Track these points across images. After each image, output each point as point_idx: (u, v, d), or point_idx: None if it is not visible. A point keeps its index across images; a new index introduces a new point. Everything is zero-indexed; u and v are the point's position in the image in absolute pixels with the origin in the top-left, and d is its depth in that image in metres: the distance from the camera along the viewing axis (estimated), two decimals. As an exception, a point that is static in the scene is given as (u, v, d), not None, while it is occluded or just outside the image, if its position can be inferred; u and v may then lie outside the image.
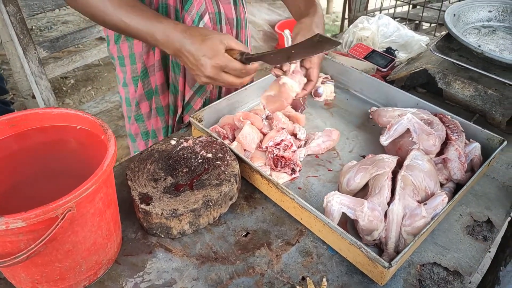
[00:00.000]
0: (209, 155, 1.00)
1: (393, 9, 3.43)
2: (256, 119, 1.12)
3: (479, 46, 1.14)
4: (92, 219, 0.73)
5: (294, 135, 1.14)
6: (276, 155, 1.05)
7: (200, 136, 1.06)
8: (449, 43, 1.27)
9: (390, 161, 0.92)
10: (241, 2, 1.27)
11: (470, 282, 0.87)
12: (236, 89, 1.24)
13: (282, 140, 1.07)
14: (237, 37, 1.29)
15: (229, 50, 0.96)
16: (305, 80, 1.07)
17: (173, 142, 1.04)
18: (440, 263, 0.88)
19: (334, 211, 0.88)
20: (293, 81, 1.05)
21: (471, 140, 1.06)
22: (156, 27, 0.96)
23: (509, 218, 1.03)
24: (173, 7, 1.13)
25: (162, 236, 0.91)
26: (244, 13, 1.30)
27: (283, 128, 1.10)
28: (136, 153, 1.17)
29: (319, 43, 0.91)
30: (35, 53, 1.82)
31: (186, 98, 1.27)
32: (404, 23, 3.26)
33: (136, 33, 0.99)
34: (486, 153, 1.06)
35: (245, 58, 0.96)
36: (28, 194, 0.82)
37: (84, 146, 0.84)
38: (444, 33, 1.31)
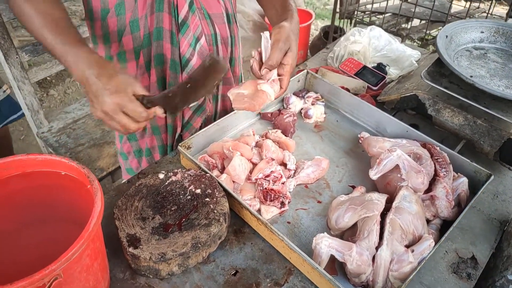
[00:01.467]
0: (198, 190, 0.99)
1: (385, 2, 3.39)
2: (245, 149, 1.10)
3: (471, 76, 1.13)
4: (79, 276, 0.72)
5: (284, 164, 1.13)
6: (266, 188, 1.04)
7: (188, 169, 1.04)
8: (440, 68, 1.27)
9: (379, 202, 0.93)
10: (234, 20, 1.25)
11: (453, 324, 0.89)
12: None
13: (271, 172, 1.07)
14: (231, 54, 1.28)
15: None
16: (279, 88, 1.06)
17: (161, 176, 1.02)
18: (425, 304, 0.90)
19: (323, 254, 0.89)
20: (271, 90, 1.03)
21: (459, 174, 1.07)
22: (70, 50, 0.91)
23: (492, 251, 1.05)
24: (169, 31, 1.11)
25: (151, 276, 0.91)
26: (236, 30, 1.29)
27: (273, 159, 1.09)
28: (123, 182, 1.15)
29: (211, 67, 0.90)
30: (17, 57, 1.75)
31: (186, 118, 1.25)
32: (396, 18, 3.23)
33: (52, 52, 0.94)
34: (474, 184, 1.07)
35: (147, 101, 0.91)
36: (14, 241, 0.81)
37: (69, 191, 0.83)
38: (433, 51, 1.30)
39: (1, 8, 1.66)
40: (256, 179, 1.06)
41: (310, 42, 4.03)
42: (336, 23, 3.51)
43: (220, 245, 0.98)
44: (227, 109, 1.35)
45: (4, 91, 2.01)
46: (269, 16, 1.18)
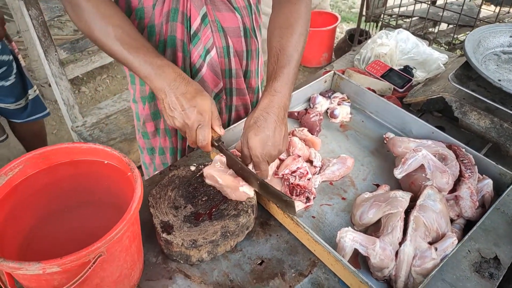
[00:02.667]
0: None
1: (412, 5, 3.37)
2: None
3: (499, 80, 1.14)
4: (119, 256, 0.78)
5: (310, 161, 1.17)
6: (292, 183, 1.08)
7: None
8: (468, 71, 1.28)
9: (404, 200, 0.95)
10: (253, 35, 1.24)
11: (474, 321, 0.91)
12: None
13: (298, 168, 1.10)
14: (246, 67, 1.29)
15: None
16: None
17: (193, 168, 1.08)
18: (447, 301, 0.92)
19: (347, 247, 0.92)
20: (251, 191, 1.01)
21: (483, 175, 1.08)
22: (154, 60, 0.96)
23: (516, 253, 1.06)
24: (181, 40, 1.13)
25: (182, 262, 0.96)
26: (256, 44, 1.27)
27: (299, 156, 1.13)
28: (155, 173, 1.21)
29: (285, 203, 0.96)
30: (55, 54, 1.85)
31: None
32: (423, 22, 3.21)
33: (132, 69, 0.99)
34: (498, 187, 1.08)
35: (216, 146, 0.99)
36: (61, 225, 0.87)
37: (111, 179, 0.89)
38: (461, 54, 1.31)
39: (43, 8, 1.76)
40: (283, 175, 1.10)
41: (335, 44, 4.04)
42: (362, 26, 3.51)
43: (247, 236, 1.02)
44: (240, 117, 1.36)
45: (35, 91, 2.13)
46: (267, 66, 1.11)
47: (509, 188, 1.04)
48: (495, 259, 1.00)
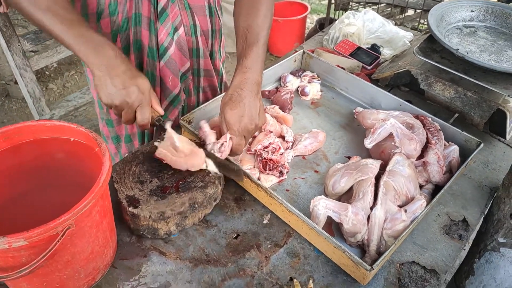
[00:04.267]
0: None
1: (379, -8, 3.43)
2: (245, 122, 1.14)
3: (457, 49, 1.18)
4: (90, 231, 0.76)
5: (282, 137, 1.17)
6: (265, 158, 1.08)
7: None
8: (432, 44, 1.31)
9: (374, 166, 0.97)
10: (216, 14, 1.24)
11: (445, 280, 0.94)
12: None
13: (270, 143, 1.11)
14: (211, 48, 1.28)
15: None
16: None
17: (157, 143, 1.06)
18: (418, 262, 0.94)
19: (320, 215, 0.93)
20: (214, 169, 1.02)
21: (450, 142, 1.11)
22: (92, 36, 0.92)
23: (483, 216, 1.09)
24: (147, 18, 1.11)
25: (149, 236, 0.95)
26: (219, 24, 1.28)
27: (271, 132, 1.13)
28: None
29: (232, 171, 1.01)
30: (18, 45, 1.79)
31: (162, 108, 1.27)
32: (389, 8, 3.27)
33: (62, 39, 0.92)
34: (464, 153, 1.12)
35: (157, 125, 1.00)
36: (26, 207, 0.85)
37: (78, 157, 0.87)
38: (426, 31, 1.35)
39: (3, -3, 1.70)
40: (255, 150, 1.10)
41: (306, 34, 4.07)
42: (332, 14, 3.54)
43: (221, 211, 1.02)
44: (208, 99, 1.34)
45: None
46: (237, 49, 1.11)
47: (474, 153, 1.07)
48: (463, 221, 1.04)
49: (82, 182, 0.89)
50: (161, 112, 1.01)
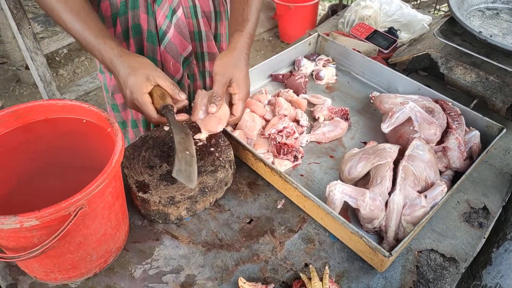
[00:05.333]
0: (203, 141, 1.01)
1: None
2: (258, 106, 1.12)
3: (480, 32, 1.13)
4: (102, 212, 0.75)
5: (296, 121, 1.14)
6: (279, 142, 1.06)
7: (193, 122, 1.06)
8: (453, 27, 1.26)
9: (392, 151, 0.94)
10: None
11: (465, 268, 0.91)
12: None
13: (284, 127, 1.08)
14: (216, 30, 1.25)
15: (158, 87, 0.96)
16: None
17: (166, 128, 1.04)
18: (437, 250, 0.92)
19: (336, 200, 0.90)
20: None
21: (471, 127, 1.08)
22: (98, 44, 0.94)
23: (503, 204, 1.06)
24: (145, 0, 1.08)
25: (160, 221, 0.93)
26: (224, 5, 1.24)
27: (285, 115, 1.11)
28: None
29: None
30: (29, 28, 1.77)
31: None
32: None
33: (82, 43, 0.96)
34: (485, 139, 1.08)
35: (164, 113, 0.95)
36: (37, 186, 0.83)
37: (90, 138, 0.85)
38: (445, 15, 1.30)
39: (14, -21, 1.68)
40: (269, 134, 1.08)
41: (318, 21, 4.00)
42: (344, 1, 3.47)
43: (235, 195, 1.00)
44: None
45: None
46: (230, 21, 1.13)
47: (496, 139, 1.03)
48: (484, 209, 1.00)
49: (94, 163, 0.87)
50: (170, 90, 0.97)
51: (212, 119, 0.99)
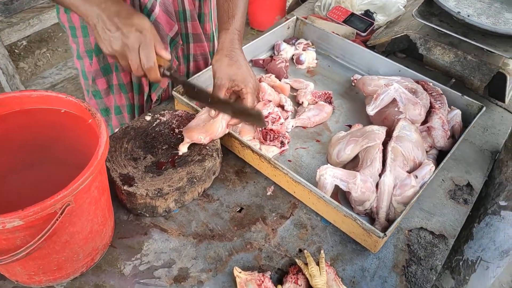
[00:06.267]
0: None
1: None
2: (242, 91, 1.09)
3: (458, 12, 1.14)
4: (89, 208, 0.71)
5: (281, 106, 1.12)
6: (265, 128, 1.04)
7: (176, 111, 1.03)
8: (430, 8, 1.27)
9: (380, 132, 0.94)
10: None
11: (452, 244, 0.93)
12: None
13: (269, 113, 1.06)
14: (199, 9, 1.20)
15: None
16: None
17: (148, 118, 1.00)
18: (426, 228, 0.93)
19: (327, 184, 0.90)
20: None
21: (452, 107, 1.09)
22: None
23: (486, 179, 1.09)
24: None
25: (147, 215, 0.90)
26: None
27: (270, 101, 1.08)
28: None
29: (252, 117, 0.95)
30: (-13, 17, 1.65)
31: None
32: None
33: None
34: (465, 118, 1.10)
35: (168, 75, 0.89)
36: (11, 184, 0.78)
37: (69, 129, 0.80)
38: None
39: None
40: (255, 120, 1.05)
41: (287, 7, 3.98)
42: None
43: (223, 184, 0.98)
44: (200, 69, 1.27)
45: None
46: (217, 19, 1.10)
47: (477, 117, 1.06)
48: (467, 186, 1.03)
49: (74, 157, 0.82)
50: (167, 56, 0.90)
51: (213, 124, 0.95)
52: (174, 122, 1.01)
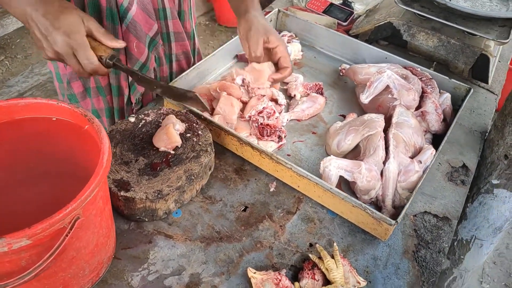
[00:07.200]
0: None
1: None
2: (234, 88, 1.06)
3: (440, -4, 1.17)
4: (95, 220, 0.66)
5: (274, 100, 1.11)
6: (261, 123, 1.02)
7: (160, 109, 0.99)
8: (411, -6, 1.29)
9: (380, 120, 0.94)
10: None
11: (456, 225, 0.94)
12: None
13: (264, 108, 1.04)
14: (179, 7, 1.15)
15: (91, 39, 0.84)
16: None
17: (132, 119, 0.96)
18: (430, 211, 0.94)
19: (332, 176, 0.89)
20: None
21: (441, 91, 1.11)
22: None
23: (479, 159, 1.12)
24: None
25: (147, 219, 0.86)
26: None
27: (263, 95, 1.06)
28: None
29: (191, 99, 0.97)
30: None
31: (130, 79, 1.15)
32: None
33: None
34: (453, 101, 1.12)
35: (113, 64, 0.86)
36: (9, 200, 0.72)
37: (62, 138, 0.74)
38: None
39: None
40: (250, 116, 1.03)
41: (253, 2, 3.96)
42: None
43: (224, 184, 0.95)
44: (183, 69, 1.24)
45: None
46: (232, 8, 1.14)
47: (467, 98, 1.08)
48: (463, 167, 1.05)
49: (70, 168, 0.78)
50: (110, 44, 0.85)
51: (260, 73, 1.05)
52: (161, 120, 0.97)
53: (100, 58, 0.85)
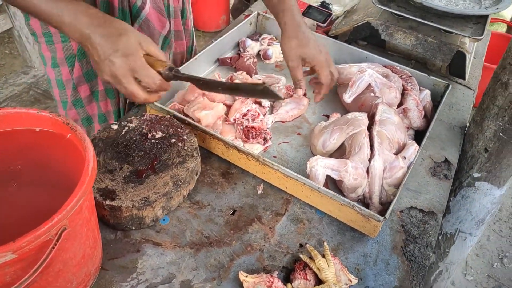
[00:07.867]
0: (160, 133, 0.94)
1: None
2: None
3: (416, -5, 1.19)
4: (81, 230, 0.65)
5: (258, 103, 1.10)
6: (246, 126, 1.01)
7: (143, 115, 0.98)
8: (387, -5, 1.31)
9: (364, 118, 0.95)
10: None
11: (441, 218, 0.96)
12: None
13: (248, 110, 1.04)
14: (182, 5, 1.16)
15: (147, 56, 0.82)
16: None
17: (115, 127, 0.95)
18: (416, 207, 0.96)
19: (319, 175, 0.89)
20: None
21: (421, 88, 1.13)
22: (65, 6, 0.78)
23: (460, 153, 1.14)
24: None
25: (134, 228, 0.84)
26: None
27: (247, 98, 1.06)
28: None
29: (261, 92, 0.88)
30: None
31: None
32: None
33: (38, 12, 0.79)
34: (433, 97, 1.15)
35: (173, 75, 0.83)
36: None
37: (45, 149, 0.72)
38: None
39: None
40: (235, 119, 1.03)
41: (231, 6, 3.96)
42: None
43: (211, 188, 0.94)
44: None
45: None
46: (267, 5, 1.11)
47: (446, 94, 1.10)
48: (445, 162, 1.07)
49: (54, 178, 0.75)
50: (163, 57, 0.83)
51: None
52: (144, 127, 0.95)
53: (159, 73, 0.82)
